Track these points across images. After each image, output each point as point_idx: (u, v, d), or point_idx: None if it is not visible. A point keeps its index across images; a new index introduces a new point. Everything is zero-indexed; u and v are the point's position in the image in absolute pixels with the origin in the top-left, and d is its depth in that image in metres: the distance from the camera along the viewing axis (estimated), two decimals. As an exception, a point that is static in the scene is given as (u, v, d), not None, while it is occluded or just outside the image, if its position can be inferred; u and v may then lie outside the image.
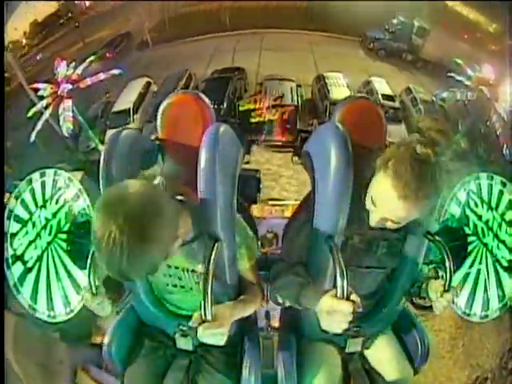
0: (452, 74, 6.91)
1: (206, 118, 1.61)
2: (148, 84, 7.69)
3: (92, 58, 7.22)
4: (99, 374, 3.56)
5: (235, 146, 1.54)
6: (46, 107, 6.61)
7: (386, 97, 7.35)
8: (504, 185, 1.76)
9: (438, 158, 1.24)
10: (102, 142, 6.90)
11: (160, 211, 1.12)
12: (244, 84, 7.73)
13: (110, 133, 7.01)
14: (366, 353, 1.75)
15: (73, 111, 6.66)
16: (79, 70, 6.91)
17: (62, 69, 6.76)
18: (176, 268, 1.54)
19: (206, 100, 1.66)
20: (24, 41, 7.29)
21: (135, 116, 7.25)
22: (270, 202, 4.34)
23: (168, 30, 8.16)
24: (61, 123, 6.63)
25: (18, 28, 7.22)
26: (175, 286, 1.60)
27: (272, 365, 1.90)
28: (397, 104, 7.34)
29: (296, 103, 7.07)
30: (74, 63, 6.92)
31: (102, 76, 7.04)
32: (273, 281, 1.60)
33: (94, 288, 1.41)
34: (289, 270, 1.55)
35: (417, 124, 1.32)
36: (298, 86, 7.49)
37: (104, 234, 1.03)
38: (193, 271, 1.53)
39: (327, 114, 7.02)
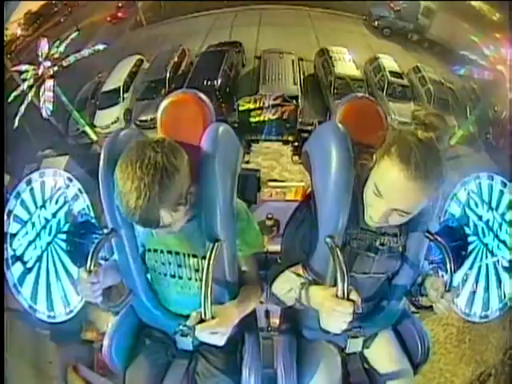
0: (465, 52, 6.87)
1: (206, 118, 1.65)
2: (140, 61, 7.58)
3: (74, 34, 7.10)
4: (88, 373, 3.68)
5: (235, 145, 1.64)
6: (30, 89, 6.54)
7: (394, 74, 7.26)
8: (504, 185, 1.82)
9: (438, 142, 1.33)
10: (92, 124, 6.88)
11: (183, 154, 1.41)
12: (242, 59, 7.55)
13: (99, 113, 7.04)
14: (366, 352, 1.81)
15: (54, 92, 6.59)
16: (61, 48, 6.77)
17: (43, 48, 6.66)
18: (177, 254, 1.63)
19: (206, 100, 1.70)
20: (19, 32, 7.20)
21: (125, 95, 7.17)
22: (270, 184, 4.29)
23: (162, 9, 8.08)
24: (41, 104, 6.58)
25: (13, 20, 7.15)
26: (173, 275, 1.68)
27: (272, 365, 1.96)
28: (405, 81, 7.30)
29: (298, 78, 7.04)
30: (57, 42, 6.80)
31: (85, 52, 6.92)
32: (272, 281, 1.67)
33: (92, 266, 1.44)
34: (288, 270, 1.62)
35: (413, 113, 1.43)
36: (300, 59, 7.39)
37: (138, 158, 1.25)
38: (194, 256, 1.62)
39: (332, 89, 6.99)
